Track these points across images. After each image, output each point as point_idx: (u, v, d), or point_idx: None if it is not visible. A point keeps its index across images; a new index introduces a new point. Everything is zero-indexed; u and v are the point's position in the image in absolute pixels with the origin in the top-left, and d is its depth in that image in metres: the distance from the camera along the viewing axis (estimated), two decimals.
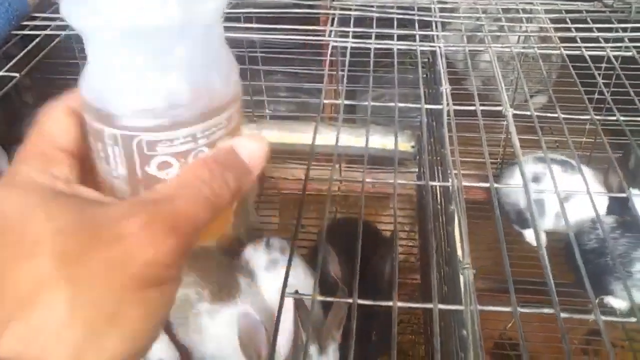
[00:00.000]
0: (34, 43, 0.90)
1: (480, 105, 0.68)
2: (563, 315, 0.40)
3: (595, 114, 0.72)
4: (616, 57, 0.87)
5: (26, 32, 0.92)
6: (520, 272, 1.00)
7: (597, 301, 1.00)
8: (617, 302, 0.98)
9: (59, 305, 0.23)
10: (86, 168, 0.30)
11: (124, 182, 0.29)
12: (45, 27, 0.94)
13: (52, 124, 0.30)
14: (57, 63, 1.23)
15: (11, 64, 0.83)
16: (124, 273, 0.24)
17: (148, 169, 0.28)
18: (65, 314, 0.23)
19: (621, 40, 0.89)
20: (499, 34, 1.04)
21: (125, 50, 0.27)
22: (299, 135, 1.22)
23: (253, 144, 0.30)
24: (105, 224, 0.25)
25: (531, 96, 1.34)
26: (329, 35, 0.89)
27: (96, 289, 0.24)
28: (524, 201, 1.11)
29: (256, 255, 0.93)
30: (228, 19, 0.95)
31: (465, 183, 0.53)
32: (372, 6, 0.98)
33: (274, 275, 0.89)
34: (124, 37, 0.27)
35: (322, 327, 0.73)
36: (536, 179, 1.08)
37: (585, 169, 0.99)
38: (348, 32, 0.89)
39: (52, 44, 0.93)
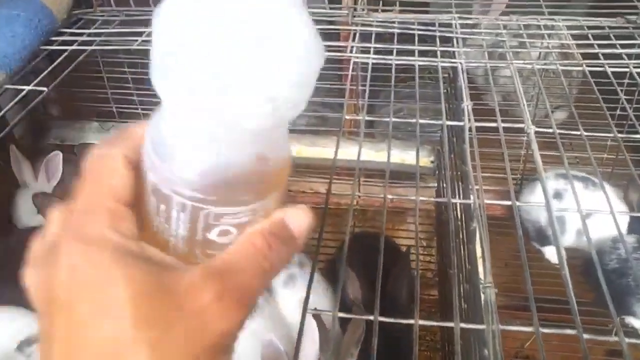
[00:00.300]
0: (61, 58, 0.92)
1: (502, 122, 0.68)
2: (586, 336, 0.39)
3: (618, 130, 0.71)
4: (639, 74, 0.86)
5: (54, 47, 0.95)
6: (539, 289, 0.99)
7: (618, 321, 0.99)
8: (639, 323, 0.97)
9: None
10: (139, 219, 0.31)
11: (181, 241, 0.31)
12: (72, 42, 0.96)
13: (113, 176, 0.30)
14: (82, 77, 1.26)
15: (39, 79, 0.85)
16: (201, 342, 0.26)
17: (209, 234, 0.30)
18: None
19: None
20: (519, 49, 1.04)
21: (207, 134, 0.28)
22: (319, 150, 1.22)
23: (302, 218, 0.32)
24: (182, 293, 0.27)
25: (552, 111, 1.33)
26: (351, 51, 0.89)
27: (174, 355, 0.25)
28: (544, 218, 1.10)
29: None
30: None
31: (487, 200, 0.53)
32: (393, 22, 0.99)
33: (292, 291, 0.89)
34: (209, 125, 0.27)
35: (341, 344, 0.73)
36: (557, 195, 1.07)
37: (607, 186, 0.98)
38: (369, 47, 0.90)
39: (79, 59, 0.96)
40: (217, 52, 0.24)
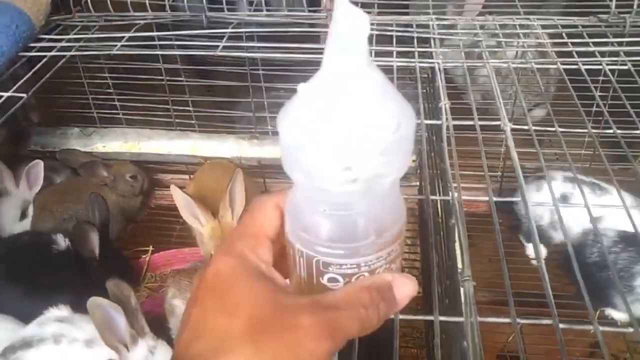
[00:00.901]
0: (40, 64, 0.92)
1: (479, 119, 0.70)
2: (562, 325, 0.41)
3: (594, 127, 0.73)
4: (612, 71, 0.88)
5: (33, 53, 0.94)
6: (524, 284, 1.01)
7: (598, 313, 1.01)
8: (619, 315, 0.99)
9: (243, 357, 0.31)
10: (277, 252, 0.38)
11: (303, 282, 0.37)
12: (51, 48, 0.96)
13: (263, 214, 0.38)
14: (63, 83, 1.25)
15: (18, 85, 0.85)
16: (293, 352, 0.31)
17: (321, 279, 0.36)
18: None
19: (617, 54, 0.90)
20: (496, 49, 1.05)
21: (322, 203, 0.34)
22: None
23: (408, 286, 0.36)
24: (288, 311, 0.33)
25: (530, 109, 1.36)
26: None
27: (270, 355, 0.31)
28: (547, 218, 1.12)
29: None
30: (230, 38, 0.97)
31: (466, 197, 0.54)
32: (372, 24, 1.00)
33: None
34: (317, 194, 0.33)
35: None
36: (564, 198, 1.08)
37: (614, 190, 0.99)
38: None
39: (58, 65, 0.95)
40: (317, 144, 0.31)
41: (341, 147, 0.30)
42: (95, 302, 0.75)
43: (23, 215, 1.16)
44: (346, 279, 0.36)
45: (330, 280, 0.36)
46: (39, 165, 1.13)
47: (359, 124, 0.30)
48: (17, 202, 1.16)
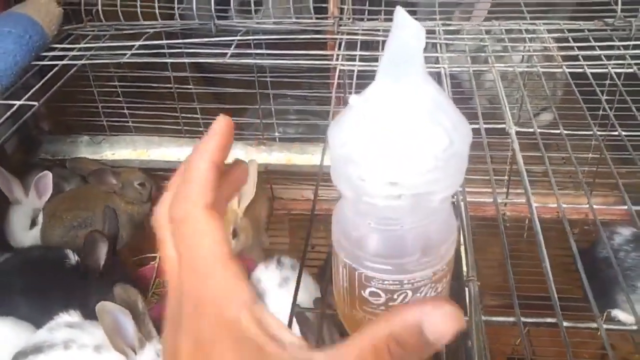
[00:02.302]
0: (51, 73, 0.94)
1: (485, 123, 0.70)
2: (566, 324, 0.41)
3: (600, 130, 0.73)
4: (618, 75, 0.88)
5: (45, 62, 0.96)
6: (532, 287, 1.00)
7: (605, 314, 1.00)
8: (625, 316, 0.98)
9: None
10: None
11: (345, 291, 0.37)
12: (62, 57, 0.97)
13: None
14: (73, 91, 1.27)
15: (30, 93, 0.86)
16: None
17: (363, 292, 0.36)
18: None
19: (623, 57, 0.91)
20: (502, 53, 1.06)
21: (368, 217, 0.33)
22: (308, 157, 1.24)
23: (446, 324, 0.27)
24: None
25: (537, 114, 1.36)
26: (336, 59, 0.91)
27: None
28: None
29: (268, 274, 0.94)
30: (239, 45, 0.98)
31: (473, 199, 0.54)
32: (378, 30, 1.01)
33: (287, 292, 0.90)
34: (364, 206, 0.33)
35: (324, 339, 0.73)
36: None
37: None
38: (355, 55, 0.91)
39: (69, 74, 0.97)
40: (364, 157, 0.31)
41: (388, 162, 0.30)
42: (104, 306, 0.76)
43: (33, 224, 1.17)
44: (388, 295, 0.35)
45: (372, 294, 0.35)
46: (48, 177, 1.15)
47: (408, 140, 0.29)
48: (27, 211, 1.17)
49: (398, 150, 0.29)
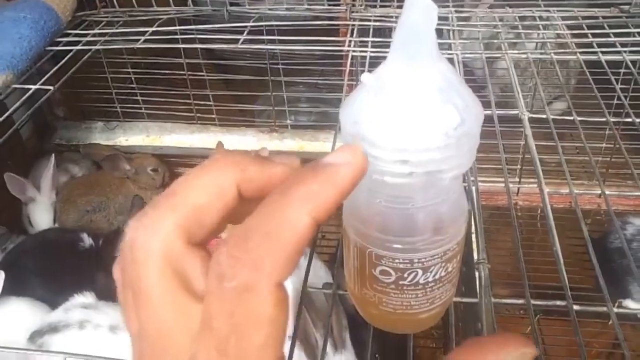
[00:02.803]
0: (66, 58, 0.95)
1: (497, 110, 0.70)
2: (576, 307, 0.41)
3: (615, 119, 0.73)
4: (634, 62, 0.87)
5: (59, 47, 0.97)
6: (545, 277, 1.00)
7: (617, 303, 0.99)
8: (636, 305, 0.98)
9: None
10: None
11: (356, 271, 0.37)
12: (76, 43, 0.98)
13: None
14: (87, 78, 1.28)
15: (45, 78, 0.87)
16: None
17: (373, 271, 0.36)
18: None
19: (639, 45, 0.89)
20: (515, 41, 1.05)
21: (378, 195, 0.33)
22: (320, 144, 1.24)
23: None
24: None
25: (550, 102, 1.35)
26: (349, 45, 0.91)
27: None
28: None
29: None
30: (251, 32, 0.99)
31: (486, 186, 0.54)
32: (391, 16, 1.01)
33: (297, 277, 0.90)
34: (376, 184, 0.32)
35: (333, 319, 0.73)
36: None
37: None
38: (367, 42, 0.91)
39: (83, 59, 0.98)
40: (375, 134, 0.30)
41: (398, 140, 0.29)
42: None
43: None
44: (398, 274, 0.35)
45: (382, 272, 0.35)
46: (48, 173, 1.15)
47: (419, 118, 0.29)
48: (46, 206, 1.17)
49: (409, 127, 0.29)
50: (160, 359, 0.22)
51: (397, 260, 0.34)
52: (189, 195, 0.24)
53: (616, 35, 0.91)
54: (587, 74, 0.85)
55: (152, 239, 0.23)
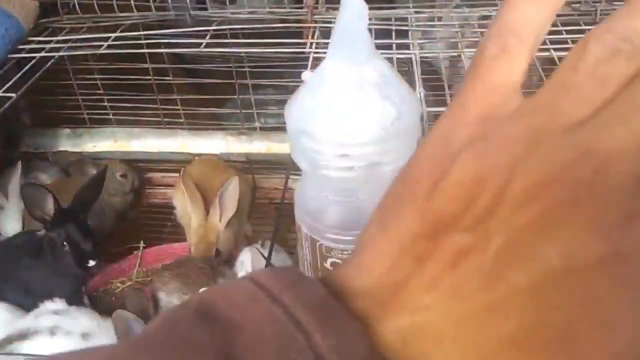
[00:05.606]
0: (29, 65, 0.94)
1: None
2: None
3: None
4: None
5: (22, 55, 0.97)
6: None
7: None
8: None
9: None
10: None
11: (309, 264, 0.38)
12: (40, 50, 0.98)
13: None
14: (53, 85, 1.28)
15: (7, 85, 0.87)
16: None
17: (325, 264, 0.37)
18: None
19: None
20: (477, 39, 1.08)
21: (325, 189, 0.35)
22: (287, 145, 1.25)
23: None
24: None
25: None
26: (310, 48, 0.93)
27: None
28: None
29: (251, 255, 0.95)
30: (216, 36, 1.00)
31: None
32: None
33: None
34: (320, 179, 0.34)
35: None
36: None
37: None
38: (328, 43, 0.93)
39: (47, 65, 0.98)
40: (316, 130, 0.32)
41: (338, 135, 0.31)
42: (118, 314, 0.78)
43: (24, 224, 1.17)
44: None
45: (333, 265, 0.36)
46: (15, 180, 1.13)
47: (357, 113, 0.31)
48: (15, 214, 1.15)
49: (347, 122, 0.31)
50: None
51: (346, 252, 0.36)
52: None
53: (568, 32, 0.94)
54: (541, 71, 0.88)
55: None
